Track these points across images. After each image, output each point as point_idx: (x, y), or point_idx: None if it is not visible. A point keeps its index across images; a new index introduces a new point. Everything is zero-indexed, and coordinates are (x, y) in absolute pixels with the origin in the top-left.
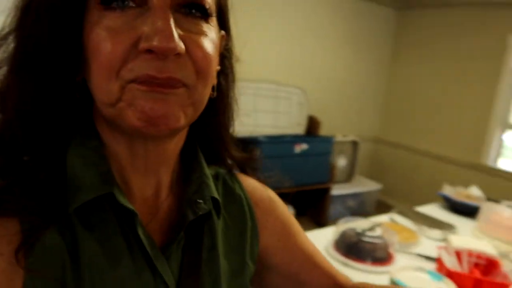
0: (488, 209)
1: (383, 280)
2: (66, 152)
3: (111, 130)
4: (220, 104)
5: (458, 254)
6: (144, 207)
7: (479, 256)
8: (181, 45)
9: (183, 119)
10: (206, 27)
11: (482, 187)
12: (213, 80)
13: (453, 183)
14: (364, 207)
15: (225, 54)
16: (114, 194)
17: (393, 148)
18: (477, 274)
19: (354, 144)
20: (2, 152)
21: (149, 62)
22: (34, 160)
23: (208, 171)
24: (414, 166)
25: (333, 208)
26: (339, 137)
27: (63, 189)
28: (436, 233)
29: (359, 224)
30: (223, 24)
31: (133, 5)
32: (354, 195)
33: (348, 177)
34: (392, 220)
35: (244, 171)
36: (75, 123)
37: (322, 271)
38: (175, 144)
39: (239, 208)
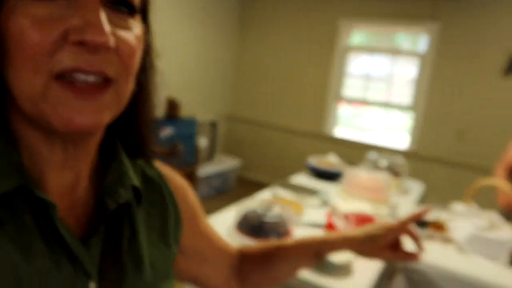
0: (350, 173)
1: None
2: None
3: (27, 122)
4: (140, 99)
5: (347, 217)
6: (61, 200)
7: (363, 217)
8: (112, 40)
9: (107, 118)
10: (132, 23)
11: (322, 154)
12: (134, 78)
13: (299, 153)
14: (227, 184)
15: (146, 49)
16: (29, 186)
17: (247, 124)
18: None
19: (213, 124)
20: None
21: (78, 55)
22: None
23: (127, 161)
24: (267, 140)
25: (199, 189)
26: (199, 118)
27: None
28: (315, 201)
29: (254, 204)
30: (145, 19)
31: None
32: (218, 174)
33: (210, 157)
34: (275, 195)
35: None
36: None
37: (220, 246)
38: (95, 138)
39: (159, 196)
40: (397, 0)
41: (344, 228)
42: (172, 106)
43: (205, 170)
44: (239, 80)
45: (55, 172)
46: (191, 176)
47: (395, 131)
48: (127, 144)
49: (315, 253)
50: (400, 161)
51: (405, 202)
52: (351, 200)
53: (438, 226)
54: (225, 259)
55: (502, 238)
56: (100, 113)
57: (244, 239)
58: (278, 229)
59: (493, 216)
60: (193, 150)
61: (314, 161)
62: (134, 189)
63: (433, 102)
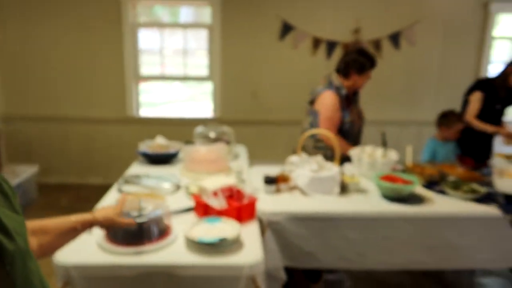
0: (189, 151)
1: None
2: None
3: None
4: None
5: (216, 194)
6: None
7: (230, 189)
8: None
9: None
10: None
11: (132, 136)
12: None
13: (108, 141)
14: (28, 196)
15: None
16: None
17: (31, 122)
18: (235, 203)
19: None
20: None
21: None
22: None
23: None
24: (64, 136)
25: None
26: None
27: None
28: (167, 187)
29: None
30: None
31: None
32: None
33: None
34: (123, 192)
35: None
36: None
37: None
38: None
39: None
40: None
41: (221, 206)
42: None
43: None
44: (6, 77)
45: None
46: None
47: (199, 102)
48: None
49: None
50: (226, 129)
51: (238, 165)
52: (195, 177)
53: (284, 179)
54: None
55: (331, 175)
56: None
57: (120, 249)
58: (159, 226)
59: (318, 159)
60: None
61: (144, 147)
62: None
63: (227, 70)
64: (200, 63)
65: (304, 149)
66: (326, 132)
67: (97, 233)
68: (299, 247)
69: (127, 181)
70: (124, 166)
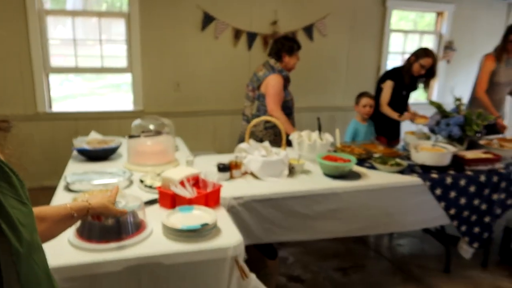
0: (133, 144)
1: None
2: None
3: None
4: None
5: (183, 184)
6: None
7: (194, 177)
8: None
9: None
10: None
11: (44, 134)
12: None
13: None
14: None
15: None
16: None
17: None
18: (203, 191)
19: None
20: None
21: None
22: None
23: None
24: None
25: None
26: None
27: None
28: (122, 183)
29: None
30: None
31: None
32: None
33: None
34: (71, 190)
35: None
36: None
37: None
38: None
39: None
40: None
41: (191, 194)
42: None
43: None
44: None
45: None
46: None
47: (120, 95)
48: None
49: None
50: (166, 121)
51: (183, 157)
52: (142, 170)
53: (237, 165)
54: None
55: (280, 159)
56: None
57: (100, 245)
58: (135, 220)
59: (266, 145)
60: None
61: (80, 143)
62: None
63: (147, 61)
64: (117, 54)
65: (253, 134)
66: (276, 117)
67: (68, 234)
68: (256, 226)
69: (72, 180)
70: (41, 167)
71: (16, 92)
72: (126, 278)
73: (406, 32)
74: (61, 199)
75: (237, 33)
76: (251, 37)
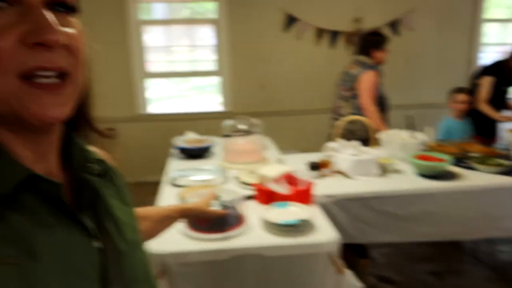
0: (228, 143)
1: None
2: None
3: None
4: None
5: (277, 181)
6: None
7: (288, 176)
8: (64, 37)
9: (71, 108)
10: (75, 22)
11: (142, 134)
12: (84, 64)
13: (117, 139)
14: None
15: None
16: (35, 174)
17: None
18: (297, 188)
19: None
20: None
21: (39, 55)
22: None
23: (78, 139)
24: None
25: None
26: None
27: None
28: (218, 178)
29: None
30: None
31: (6, 5)
32: None
33: None
34: (175, 185)
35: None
36: None
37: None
38: (58, 130)
39: (106, 167)
40: None
41: (284, 191)
42: None
43: None
44: None
45: (32, 162)
46: None
47: (207, 96)
48: (74, 126)
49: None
50: (255, 121)
51: (272, 155)
52: (237, 168)
53: (326, 164)
54: None
55: (370, 157)
56: (65, 104)
57: (208, 235)
58: (236, 214)
59: (355, 144)
60: None
61: (179, 142)
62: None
63: (236, 64)
64: (207, 57)
65: (351, 132)
66: (370, 112)
67: (179, 224)
68: (349, 225)
69: (175, 176)
70: (140, 163)
71: (118, 96)
72: (232, 266)
73: (503, 21)
74: (167, 193)
75: (320, 32)
76: (334, 35)
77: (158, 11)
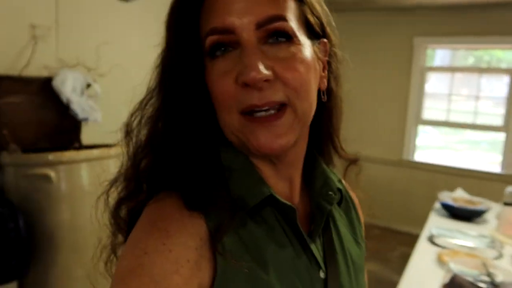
0: (508, 212)
1: None
2: (221, 164)
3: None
4: (331, 106)
5: None
6: None
7: None
8: (266, 72)
9: (292, 137)
10: (294, 48)
11: (403, 180)
12: (314, 93)
13: (378, 182)
14: None
15: (330, 58)
16: (274, 195)
17: None
18: None
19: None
20: (172, 165)
21: (250, 94)
22: (201, 172)
23: (325, 167)
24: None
25: None
26: None
27: (229, 194)
28: (488, 249)
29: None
30: (320, 32)
31: (231, 49)
32: None
33: None
34: (434, 243)
35: (345, 168)
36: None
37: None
38: (297, 150)
39: (345, 201)
40: (482, 16)
41: None
42: None
43: None
44: None
45: (273, 183)
46: None
47: (481, 153)
48: (318, 149)
49: None
50: None
51: None
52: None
53: None
54: None
55: None
56: (280, 136)
57: None
58: None
59: None
60: None
61: (445, 198)
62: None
63: None
64: (489, 111)
65: None
66: None
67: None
68: None
69: (436, 234)
70: (395, 209)
71: (389, 138)
72: None
73: None
74: (424, 249)
75: None
76: None
77: (441, 57)
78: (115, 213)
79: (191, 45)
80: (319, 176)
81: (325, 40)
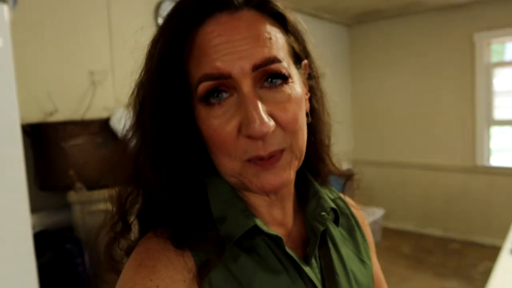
0: None
1: None
2: (207, 198)
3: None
4: (317, 126)
5: None
6: (278, 231)
7: None
8: (271, 124)
9: (292, 173)
10: (288, 88)
11: (480, 187)
12: (305, 125)
13: (448, 191)
14: (373, 238)
15: (310, 77)
16: (258, 226)
17: (375, 167)
18: None
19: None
20: (160, 204)
21: (255, 145)
22: (187, 208)
23: (318, 187)
24: (404, 181)
25: None
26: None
27: (215, 228)
28: None
29: None
30: (302, 55)
31: (227, 95)
32: None
33: None
34: None
35: (343, 185)
36: (204, 173)
37: None
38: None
39: (346, 217)
40: None
41: None
42: None
43: None
44: (356, 121)
45: (264, 211)
46: None
47: None
48: (308, 167)
49: None
50: None
51: None
52: None
53: None
54: None
55: None
56: (281, 174)
57: None
58: None
59: None
60: None
61: None
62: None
63: None
64: None
65: None
66: None
67: None
68: None
69: None
70: (474, 220)
71: (458, 144)
72: None
73: None
74: (506, 263)
75: None
76: None
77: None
78: (106, 253)
79: (179, 91)
80: (311, 198)
81: (305, 61)
